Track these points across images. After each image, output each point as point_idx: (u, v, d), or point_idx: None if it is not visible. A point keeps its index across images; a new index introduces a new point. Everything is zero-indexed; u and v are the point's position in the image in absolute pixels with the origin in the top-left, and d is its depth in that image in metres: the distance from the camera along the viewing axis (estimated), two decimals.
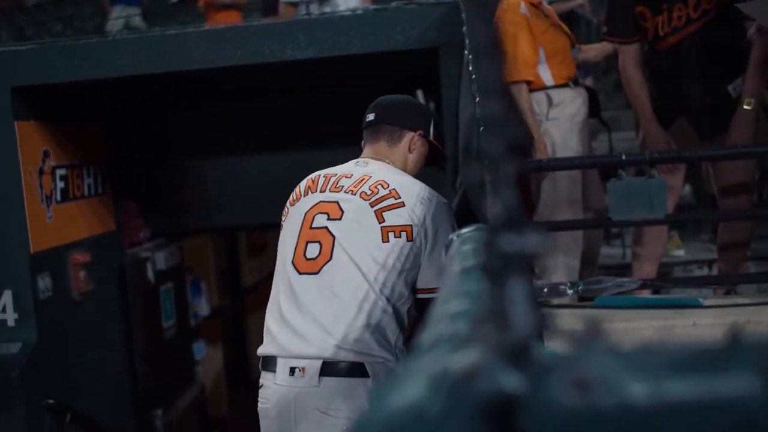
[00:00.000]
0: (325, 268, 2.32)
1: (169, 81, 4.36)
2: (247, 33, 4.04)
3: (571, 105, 3.64)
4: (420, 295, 2.35)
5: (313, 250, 2.35)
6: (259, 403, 2.44)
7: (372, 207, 2.33)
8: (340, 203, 2.38)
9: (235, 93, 5.34)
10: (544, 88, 3.64)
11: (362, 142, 2.60)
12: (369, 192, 2.36)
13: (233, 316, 8.80)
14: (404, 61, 4.21)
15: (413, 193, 2.36)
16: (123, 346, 5.09)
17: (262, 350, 2.42)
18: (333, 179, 2.46)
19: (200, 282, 6.55)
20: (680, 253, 4.46)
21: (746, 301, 2.87)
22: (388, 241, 2.30)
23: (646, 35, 3.33)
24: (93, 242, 4.82)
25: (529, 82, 3.63)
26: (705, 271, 4.27)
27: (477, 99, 2.43)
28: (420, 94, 4.25)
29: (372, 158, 2.52)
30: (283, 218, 2.54)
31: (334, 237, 2.34)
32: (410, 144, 2.53)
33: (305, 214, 2.42)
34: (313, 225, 2.38)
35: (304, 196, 2.48)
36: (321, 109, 5.25)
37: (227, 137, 5.58)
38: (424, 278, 2.33)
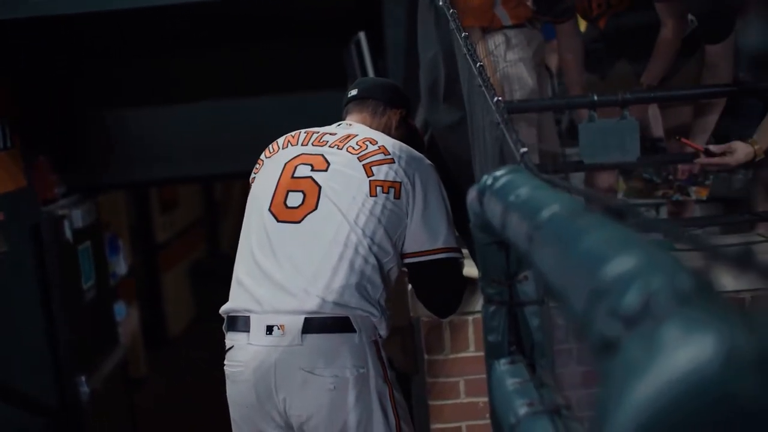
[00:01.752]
0: (308, 217, 2.15)
1: (77, 26, 4.01)
2: None
3: (528, 47, 3.51)
4: (408, 260, 2.20)
5: (295, 199, 2.17)
6: (227, 367, 2.23)
7: (360, 161, 2.21)
8: (326, 155, 2.25)
9: (152, 41, 4.98)
10: (501, 28, 3.49)
11: (344, 114, 2.49)
12: (357, 147, 2.24)
13: (147, 275, 8.45)
14: (343, 2, 3.98)
15: (403, 151, 2.25)
16: (41, 310, 4.75)
17: (231, 306, 2.21)
18: (315, 135, 2.33)
19: (118, 240, 6.20)
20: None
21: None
22: (375, 195, 2.16)
23: (580, 13, 3.25)
24: (4, 200, 4.43)
25: (483, 28, 3.48)
26: (653, 214, 4.27)
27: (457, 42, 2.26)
28: (362, 36, 4.04)
29: (355, 122, 2.41)
30: (255, 171, 2.34)
31: (319, 187, 2.18)
32: (393, 121, 2.45)
33: (285, 164, 2.26)
34: (296, 174, 2.22)
35: (283, 148, 2.33)
36: (250, 58, 4.97)
37: (142, 88, 5.24)
38: (413, 241, 2.18)
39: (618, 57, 3.31)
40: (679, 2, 3.01)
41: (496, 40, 3.49)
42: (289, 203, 2.18)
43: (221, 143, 5.19)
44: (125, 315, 6.25)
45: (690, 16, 3.11)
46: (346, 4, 4.03)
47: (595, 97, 2.81)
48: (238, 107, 5.22)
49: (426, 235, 2.18)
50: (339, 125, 2.39)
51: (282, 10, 4.18)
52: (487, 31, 3.51)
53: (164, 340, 8.69)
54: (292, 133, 2.37)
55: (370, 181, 2.16)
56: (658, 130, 3.48)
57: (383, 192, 2.15)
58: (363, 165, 2.18)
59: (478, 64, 1.87)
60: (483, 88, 1.86)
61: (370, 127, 2.39)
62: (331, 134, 2.31)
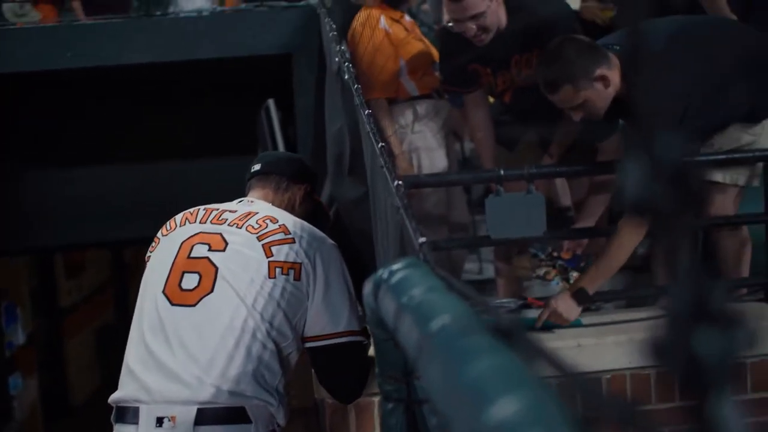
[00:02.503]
0: (204, 300, 2.04)
1: None
2: (80, 31, 3.62)
3: (436, 117, 3.52)
4: (309, 344, 2.10)
5: (190, 281, 2.06)
6: None
7: (259, 241, 2.08)
8: (224, 234, 2.11)
9: (57, 103, 4.83)
10: (409, 99, 3.49)
11: (247, 189, 2.37)
12: (256, 226, 2.11)
13: (50, 341, 8.08)
14: (256, 67, 3.94)
15: (304, 231, 2.14)
16: None
17: (119, 396, 2.07)
18: (215, 212, 2.20)
19: (16, 308, 5.91)
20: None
21: (623, 317, 2.84)
22: (274, 277, 2.04)
23: (487, 86, 3.27)
24: None
25: (390, 99, 3.49)
26: (561, 285, 4.29)
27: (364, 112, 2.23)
28: (271, 103, 4.00)
29: (257, 199, 2.29)
30: (150, 250, 2.22)
31: (216, 268, 2.06)
32: (297, 197, 2.32)
33: (182, 243, 2.13)
34: (192, 255, 2.09)
35: (180, 226, 2.19)
36: (164, 123, 4.86)
37: (53, 147, 5.05)
38: (314, 324, 2.09)
39: (525, 128, 3.34)
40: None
41: (404, 111, 3.49)
42: (184, 285, 2.06)
43: (131, 208, 5.02)
44: (22, 387, 5.93)
45: None
46: (260, 71, 4.00)
47: (502, 172, 2.81)
48: (150, 171, 5.08)
49: (327, 318, 2.09)
50: (240, 202, 2.29)
51: (198, 75, 4.11)
52: (394, 102, 3.51)
53: (66, 409, 8.29)
54: (191, 210, 2.26)
55: (269, 262, 2.05)
56: (565, 199, 3.51)
57: (283, 273, 2.05)
58: (262, 245, 2.07)
59: (380, 144, 1.83)
60: (385, 170, 1.82)
61: (273, 203, 2.29)
62: (231, 212, 2.20)
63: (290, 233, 2.10)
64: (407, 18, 3.64)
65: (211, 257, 2.06)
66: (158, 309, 2.06)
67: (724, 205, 3.02)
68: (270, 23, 3.85)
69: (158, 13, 3.95)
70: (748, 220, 3.10)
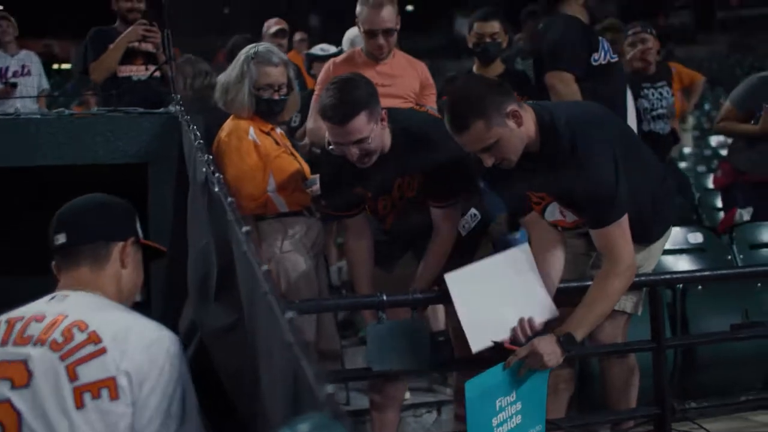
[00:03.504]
0: None
1: None
2: None
3: (306, 236, 3.27)
4: None
5: None
6: None
7: (63, 361, 1.69)
8: (28, 363, 1.70)
9: None
10: (278, 215, 3.23)
11: (54, 267, 1.94)
12: (60, 340, 1.72)
13: None
14: (107, 176, 3.57)
15: (122, 331, 1.74)
16: None
17: None
18: (19, 326, 1.78)
19: None
20: (406, 395, 4.18)
21: None
22: (83, 407, 1.65)
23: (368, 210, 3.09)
24: None
25: (257, 215, 3.22)
26: (434, 416, 4.03)
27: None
28: None
29: (72, 290, 1.88)
30: None
31: (18, 414, 1.65)
32: (122, 258, 1.94)
33: None
34: None
35: None
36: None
37: None
38: None
39: (403, 253, 3.13)
40: (454, 209, 2.92)
41: (274, 228, 3.21)
42: None
43: None
44: None
45: (473, 211, 3.03)
46: (111, 181, 3.63)
47: (385, 297, 2.57)
48: None
49: None
50: (53, 298, 1.86)
51: (40, 182, 3.69)
52: (261, 218, 3.24)
53: None
54: None
55: (74, 388, 1.67)
56: (437, 324, 3.29)
57: (93, 397, 1.67)
58: (66, 366, 1.68)
59: (264, 267, 1.54)
60: (270, 298, 1.53)
61: (93, 289, 1.88)
62: (37, 320, 1.78)
63: (101, 341, 1.71)
64: (278, 130, 3.43)
65: (13, 400, 1.66)
66: None
67: (612, 332, 2.91)
68: (124, 130, 3.53)
69: None
70: (635, 348, 3.00)
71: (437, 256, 2.92)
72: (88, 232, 1.92)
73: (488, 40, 4.13)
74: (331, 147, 2.84)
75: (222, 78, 3.41)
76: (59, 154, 3.36)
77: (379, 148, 2.80)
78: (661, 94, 4.90)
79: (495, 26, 4.15)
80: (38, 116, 3.49)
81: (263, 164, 3.25)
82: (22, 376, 1.69)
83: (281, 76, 3.32)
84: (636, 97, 4.64)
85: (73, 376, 1.67)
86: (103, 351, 1.70)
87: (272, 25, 5.61)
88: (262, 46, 3.42)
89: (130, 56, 4.65)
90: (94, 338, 1.72)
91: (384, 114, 2.82)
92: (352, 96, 2.71)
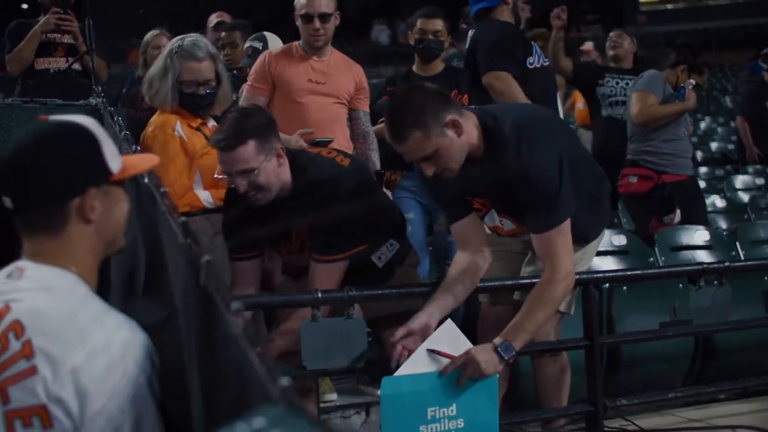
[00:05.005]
0: None
1: None
2: None
3: None
4: None
5: None
6: None
7: None
8: None
9: None
10: (204, 212, 3.12)
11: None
12: None
13: None
14: None
15: (66, 344, 1.42)
16: None
17: None
18: None
19: None
20: (333, 397, 4.11)
21: None
22: None
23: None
24: None
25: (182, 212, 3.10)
26: (363, 417, 3.97)
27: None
28: None
29: (32, 261, 1.54)
30: None
31: None
32: (83, 214, 1.54)
33: None
34: None
35: None
36: None
37: None
38: None
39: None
40: (333, 267, 2.77)
41: (201, 226, 3.10)
42: None
43: None
44: None
45: (390, 240, 2.96)
46: None
47: (320, 294, 2.50)
48: None
49: None
50: (9, 275, 1.53)
51: None
52: (185, 215, 3.12)
53: None
54: None
55: (5, 412, 1.42)
56: None
57: (24, 426, 1.41)
58: None
59: (206, 257, 1.45)
60: (212, 288, 1.44)
61: (58, 257, 1.53)
62: None
63: (32, 356, 1.41)
64: (210, 124, 3.31)
65: None
66: None
67: (546, 331, 2.90)
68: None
69: None
70: (568, 346, 3.00)
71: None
72: (33, 195, 1.52)
73: (431, 37, 4.12)
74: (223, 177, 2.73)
75: (149, 72, 3.30)
76: None
77: (271, 185, 2.69)
78: (627, 84, 5.32)
79: (438, 24, 4.16)
80: None
81: (188, 160, 3.13)
82: None
83: (207, 71, 3.21)
84: (595, 85, 5.36)
85: (4, 399, 1.42)
86: (32, 371, 1.41)
87: (213, 19, 5.52)
88: (188, 39, 3.30)
89: (49, 48, 4.49)
90: (26, 352, 1.43)
91: (281, 151, 2.71)
92: (243, 124, 2.64)
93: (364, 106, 3.87)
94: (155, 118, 3.20)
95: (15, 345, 1.43)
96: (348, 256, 2.77)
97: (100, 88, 3.51)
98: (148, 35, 4.91)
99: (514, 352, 2.52)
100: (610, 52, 5.61)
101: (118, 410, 1.42)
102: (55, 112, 3.44)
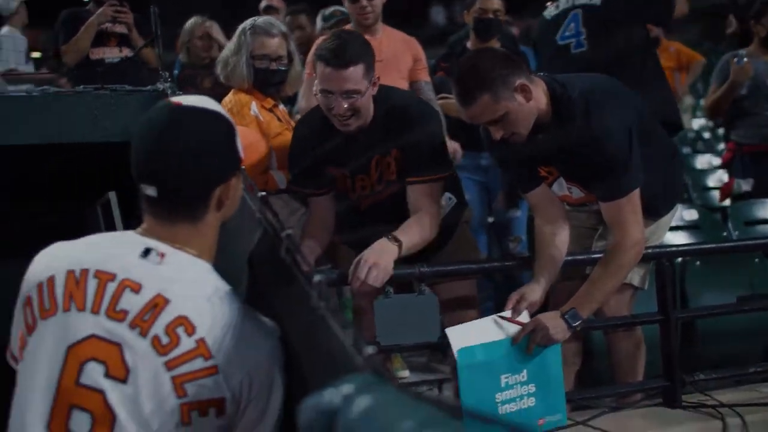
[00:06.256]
0: None
1: None
2: None
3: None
4: None
5: (80, 424, 1.44)
6: None
7: (168, 370, 1.44)
8: (124, 350, 1.44)
9: None
10: (278, 191, 3.14)
11: (143, 213, 1.55)
12: (165, 340, 1.44)
13: None
14: (90, 157, 3.47)
15: (232, 342, 1.46)
16: None
17: None
18: (112, 289, 1.46)
19: None
20: (405, 374, 4.12)
21: None
22: (189, 423, 1.45)
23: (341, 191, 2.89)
24: None
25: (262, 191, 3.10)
26: (435, 393, 3.97)
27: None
28: (112, 196, 3.51)
29: (170, 245, 1.51)
30: (21, 335, 1.52)
31: (114, 416, 1.43)
32: (222, 199, 1.53)
33: (68, 349, 1.46)
34: (82, 380, 1.45)
35: (64, 311, 1.47)
36: None
37: None
38: None
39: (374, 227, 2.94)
40: (434, 186, 2.73)
41: (276, 205, 3.11)
42: (74, 427, 1.44)
43: None
44: None
45: (448, 194, 2.91)
46: (96, 160, 3.52)
47: (425, 268, 2.51)
48: None
49: None
50: (146, 254, 1.49)
51: (17, 163, 3.58)
52: (266, 192, 3.13)
53: None
54: (73, 266, 1.48)
55: (180, 405, 1.44)
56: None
57: (200, 415, 1.46)
58: (172, 378, 1.44)
59: (287, 231, 1.46)
60: (292, 261, 1.46)
61: (195, 245, 1.52)
62: (133, 289, 1.46)
63: (210, 357, 1.44)
64: (281, 107, 3.33)
65: (108, 393, 1.43)
66: None
67: (618, 305, 2.86)
68: (110, 108, 3.42)
69: None
70: (643, 320, 2.94)
71: (417, 226, 2.66)
72: (183, 183, 1.48)
73: (491, 15, 4.11)
74: (317, 94, 2.69)
75: (223, 53, 3.34)
76: (42, 132, 3.24)
77: (365, 112, 2.68)
78: None
79: (497, 3, 4.15)
80: (23, 94, 3.36)
81: (265, 140, 3.15)
82: (117, 365, 1.44)
83: (279, 47, 3.24)
84: None
85: (180, 393, 1.44)
86: (214, 371, 1.45)
87: (263, 3, 5.58)
88: (262, 18, 3.37)
89: (103, 38, 4.59)
90: (203, 351, 1.44)
91: (377, 80, 2.72)
92: (355, 44, 2.64)
93: (424, 76, 3.87)
94: (230, 98, 3.23)
95: (188, 342, 1.44)
96: (442, 178, 2.75)
97: (167, 74, 3.56)
98: (189, 23, 4.98)
99: (581, 320, 2.54)
100: None
101: (264, 396, 1.49)
102: (124, 98, 3.52)
